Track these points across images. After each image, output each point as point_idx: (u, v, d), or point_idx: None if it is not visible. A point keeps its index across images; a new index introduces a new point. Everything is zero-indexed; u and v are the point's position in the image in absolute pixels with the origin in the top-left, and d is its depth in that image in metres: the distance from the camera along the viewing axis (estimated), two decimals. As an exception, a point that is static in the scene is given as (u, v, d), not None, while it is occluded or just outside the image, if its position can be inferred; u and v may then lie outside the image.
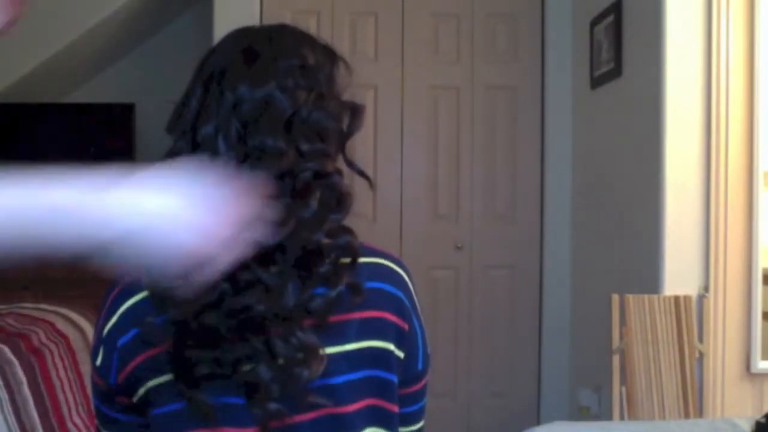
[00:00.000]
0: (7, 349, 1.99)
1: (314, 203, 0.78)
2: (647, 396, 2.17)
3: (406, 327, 0.86)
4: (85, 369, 2.32)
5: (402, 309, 0.86)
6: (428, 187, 3.38)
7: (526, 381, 3.38)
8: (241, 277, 0.75)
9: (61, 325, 2.38)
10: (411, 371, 0.89)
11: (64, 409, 2.10)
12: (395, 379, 0.85)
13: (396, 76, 3.36)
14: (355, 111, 0.85)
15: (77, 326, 2.45)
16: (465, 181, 3.38)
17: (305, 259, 0.77)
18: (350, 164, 0.85)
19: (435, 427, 0.98)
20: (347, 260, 0.80)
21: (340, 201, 0.80)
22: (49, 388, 2.07)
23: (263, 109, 0.78)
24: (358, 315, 0.82)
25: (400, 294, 0.86)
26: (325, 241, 0.78)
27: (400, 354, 0.85)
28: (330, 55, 0.86)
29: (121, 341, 0.80)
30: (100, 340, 0.82)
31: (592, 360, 2.96)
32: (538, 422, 3.21)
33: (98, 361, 0.82)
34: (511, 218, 3.39)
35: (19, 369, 1.97)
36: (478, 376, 3.38)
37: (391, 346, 0.84)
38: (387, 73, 3.34)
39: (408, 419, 0.91)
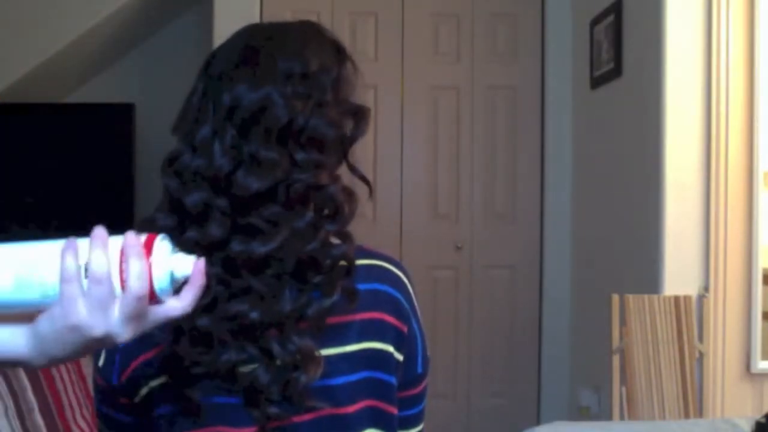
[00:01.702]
0: (10, 354, 1.98)
1: (309, 213, 0.76)
2: (647, 396, 2.16)
3: (405, 329, 0.86)
4: (88, 371, 2.32)
5: (401, 311, 0.86)
6: (428, 187, 3.38)
7: (526, 381, 3.38)
8: (234, 284, 0.74)
9: (61, 325, 2.38)
10: (410, 374, 0.88)
11: (68, 413, 2.10)
12: (394, 381, 0.85)
13: (396, 76, 3.36)
14: (360, 115, 0.83)
15: (78, 327, 2.45)
16: (465, 181, 3.38)
17: (300, 267, 0.76)
18: (353, 169, 0.83)
19: (435, 428, 0.98)
20: (343, 265, 0.79)
21: (336, 211, 0.79)
22: (53, 392, 2.06)
23: (259, 114, 0.76)
24: (358, 316, 0.82)
25: (399, 296, 0.86)
26: (320, 250, 0.77)
27: (400, 356, 0.85)
28: (339, 56, 0.84)
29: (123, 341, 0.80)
30: None
31: (592, 360, 2.96)
32: (538, 422, 3.20)
33: (100, 362, 0.82)
34: (511, 218, 3.39)
35: (22, 374, 1.96)
36: (478, 377, 3.37)
37: (390, 348, 0.84)
38: (387, 73, 3.34)
39: (408, 422, 0.91)
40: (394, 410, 0.85)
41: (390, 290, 0.85)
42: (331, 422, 0.80)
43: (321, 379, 0.77)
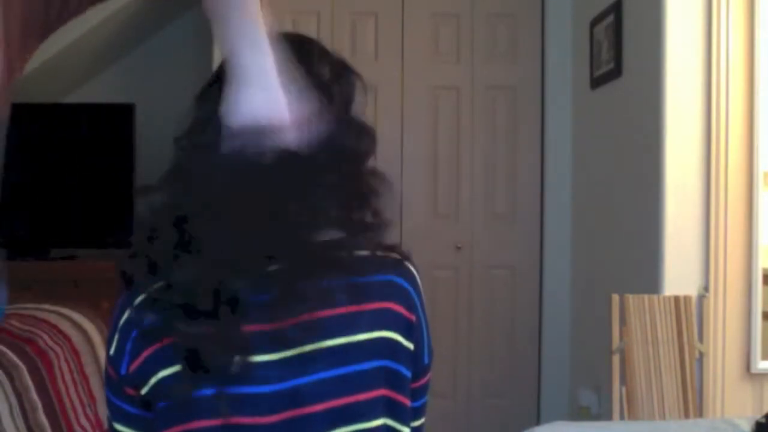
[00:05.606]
0: (13, 354, 1.98)
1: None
2: (647, 396, 2.16)
3: (414, 319, 0.87)
4: (90, 370, 2.32)
5: (410, 301, 0.87)
6: (428, 187, 3.38)
7: (526, 381, 3.37)
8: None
9: (63, 326, 2.37)
10: (419, 364, 0.89)
11: (71, 413, 2.10)
12: (406, 371, 0.86)
13: (396, 76, 3.36)
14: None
15: (80, 327, 2.45)
16: (465, 181, 3.38)
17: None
18: None
19: (435, 427, 0.98)
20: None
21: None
22: (56, 392, 2.06)
23: None
24: (369, 306, 0.83)
25: (409, 287, 0.88)
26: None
27: (410, 345, 0.86)
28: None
29: (135, 331, 0.80)
30: (115, 329, 0.82)
31: (592, 360, 2.96)
32: (538, 422, 3.21)
33: (112, 351, 0.82)
34: (511, 218, 3.39)
35: (26, 374, 1.96)
36: (478, 376, 3.37)
37: (400, 338, 0.85)
38: (387, 73, 3.34)
39: (413, 414, 0.91)
40: (407, 402, 0.86)
41: (401, 281, 0.87)
42: (345, 411, 0.80)
43: (333, 368, 0.78)
